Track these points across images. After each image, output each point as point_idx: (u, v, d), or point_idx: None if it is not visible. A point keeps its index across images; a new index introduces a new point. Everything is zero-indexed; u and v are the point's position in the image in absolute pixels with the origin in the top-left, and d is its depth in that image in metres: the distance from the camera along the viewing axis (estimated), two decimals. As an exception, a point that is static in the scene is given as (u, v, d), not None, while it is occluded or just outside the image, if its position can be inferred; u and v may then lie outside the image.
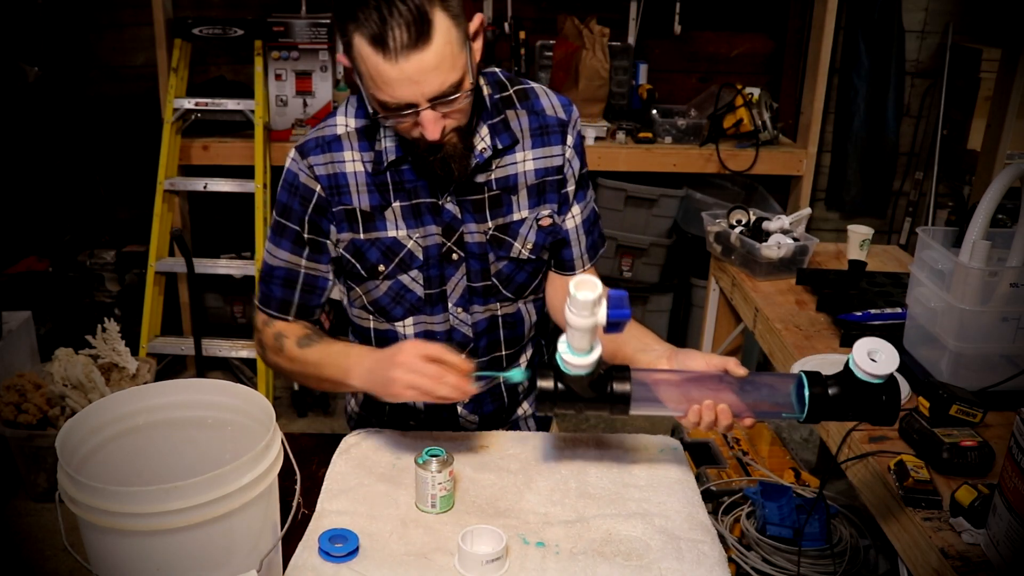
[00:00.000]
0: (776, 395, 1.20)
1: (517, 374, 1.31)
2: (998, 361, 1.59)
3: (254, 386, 3.10)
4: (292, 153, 1.42)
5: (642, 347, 1.37)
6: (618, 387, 1.18)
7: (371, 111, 1.29)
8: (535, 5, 3.57)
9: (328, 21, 3.14)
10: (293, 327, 1.46)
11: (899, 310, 1.87)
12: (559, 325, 1.55)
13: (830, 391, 1.14)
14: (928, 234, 1.67)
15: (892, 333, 1.81)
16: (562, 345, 1.16)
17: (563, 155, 1.46)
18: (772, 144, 3.34)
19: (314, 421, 3.26)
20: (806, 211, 2.56)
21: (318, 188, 1.40)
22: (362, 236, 1.42)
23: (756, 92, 3.30)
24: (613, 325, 1.11)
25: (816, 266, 2.37)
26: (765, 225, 2.36)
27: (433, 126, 1.25)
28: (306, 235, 1.43)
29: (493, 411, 1.57)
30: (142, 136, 3.46)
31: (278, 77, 3.16)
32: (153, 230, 3.14)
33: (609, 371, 1.19)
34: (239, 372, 3.46)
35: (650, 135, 3.28)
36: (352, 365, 1.34)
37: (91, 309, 3.45)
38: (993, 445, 1.39)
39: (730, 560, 1.96)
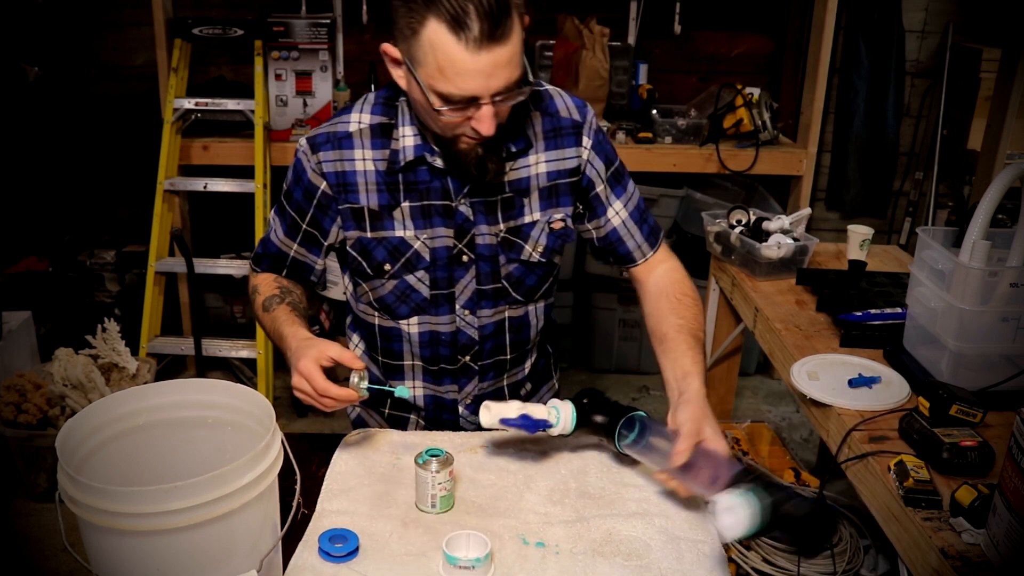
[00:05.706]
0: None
1: (402, 391, 1.35)
2: (998, 361, 1.58)
3: (254, 386, 3.10)
4: (303, 143, 1.43)
5: (676, 372, 1.37)
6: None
7: (428, 103, 1.24)
8: (535, 5, 3.56)
9: (328, 21, 3.14)
10: (268, 283, 1.50)
11: (899, 310, 1.87)
12: (648, 323, 1.51)
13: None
14: (928, 234, 1.67)
15: (892, 333, 1.81)
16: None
17: (578, 157, 1.46)
18: (772, 144, 3.34)
19: (314, 421, 3.26)
20: (806, 211, 2.56)
21: (323, 185, 1.41)
22: (369, 235, 1.42)
23: (756, 92, 3.30)
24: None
25: (816, 266, 2.37)
26: (765, 225, 2.36)
27: (490, 122, 1.25)
28: (304, 227, 1.46)
29: None
30: (142, 136, 3.46)
31: (278, 77, 3.16)
32: (153, 230, 3.14)
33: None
34: (239, 372, 3.46)
35: (650, 135, 3.27)
36: (283, 348, 1.38)
37: (91, 309, 3.45)
38: (993, 445, 1.39)
39: (730, 560, 1.95)
